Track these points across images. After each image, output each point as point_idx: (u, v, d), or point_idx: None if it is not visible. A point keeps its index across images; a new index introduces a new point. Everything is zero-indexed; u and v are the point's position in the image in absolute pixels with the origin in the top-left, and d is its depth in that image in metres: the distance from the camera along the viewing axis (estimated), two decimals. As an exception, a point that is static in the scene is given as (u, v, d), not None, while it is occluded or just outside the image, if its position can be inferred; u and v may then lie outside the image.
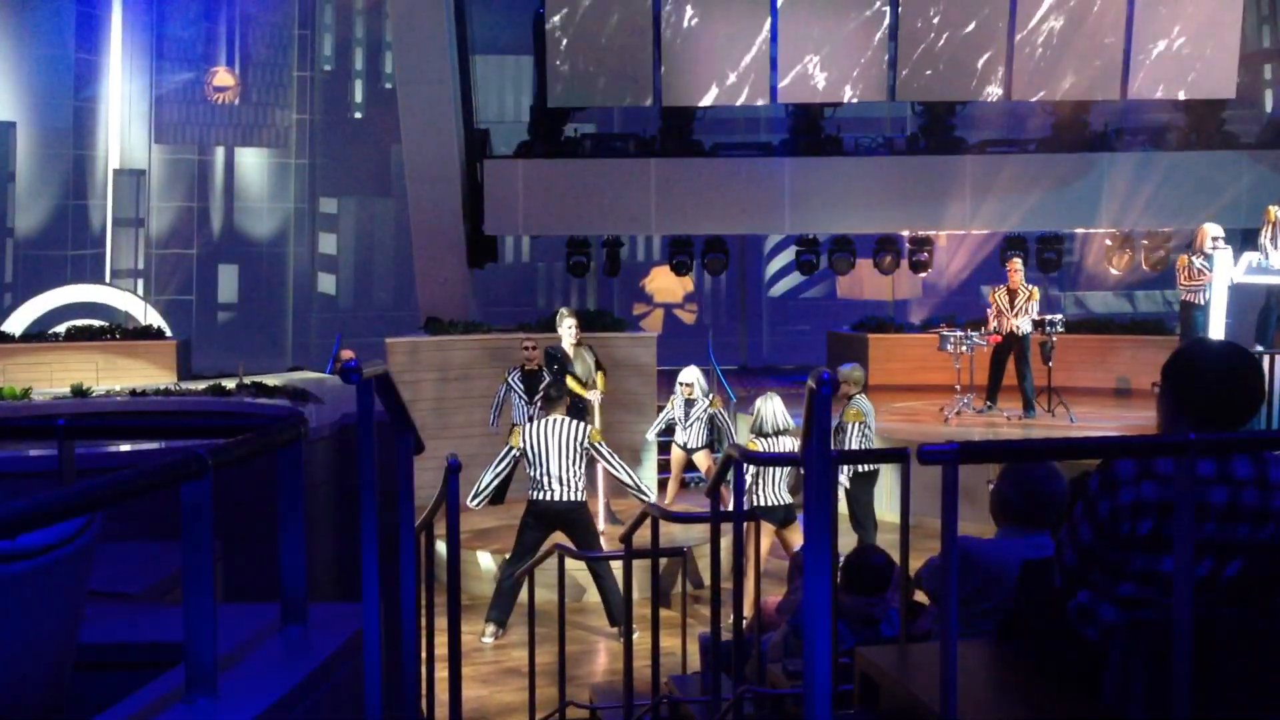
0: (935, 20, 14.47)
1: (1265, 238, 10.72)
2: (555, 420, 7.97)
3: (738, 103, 14.92)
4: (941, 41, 14.57)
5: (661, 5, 14.26)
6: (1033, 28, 14.42)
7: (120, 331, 14.68)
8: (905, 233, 15.66)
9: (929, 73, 14.64)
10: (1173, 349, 2.80)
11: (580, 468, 7.90)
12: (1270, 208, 10.85)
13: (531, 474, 7.90)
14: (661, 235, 16.79)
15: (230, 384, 7.28)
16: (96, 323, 15.37)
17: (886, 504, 10.99)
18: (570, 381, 9.92)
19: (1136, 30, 14.31)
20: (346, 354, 11.82)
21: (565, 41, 14.39)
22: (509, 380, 10.54)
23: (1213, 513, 2.47)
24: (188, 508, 2.13)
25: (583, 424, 8.20)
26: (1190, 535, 2.30)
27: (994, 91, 14.68)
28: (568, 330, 10.10)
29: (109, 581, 3.16)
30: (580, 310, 12.13)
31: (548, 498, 7.86)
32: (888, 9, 14.44)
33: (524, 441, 7.93)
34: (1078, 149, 14.90)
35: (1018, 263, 12.80)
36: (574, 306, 10.63)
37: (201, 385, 7.45)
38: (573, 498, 7.88)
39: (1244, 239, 11.35)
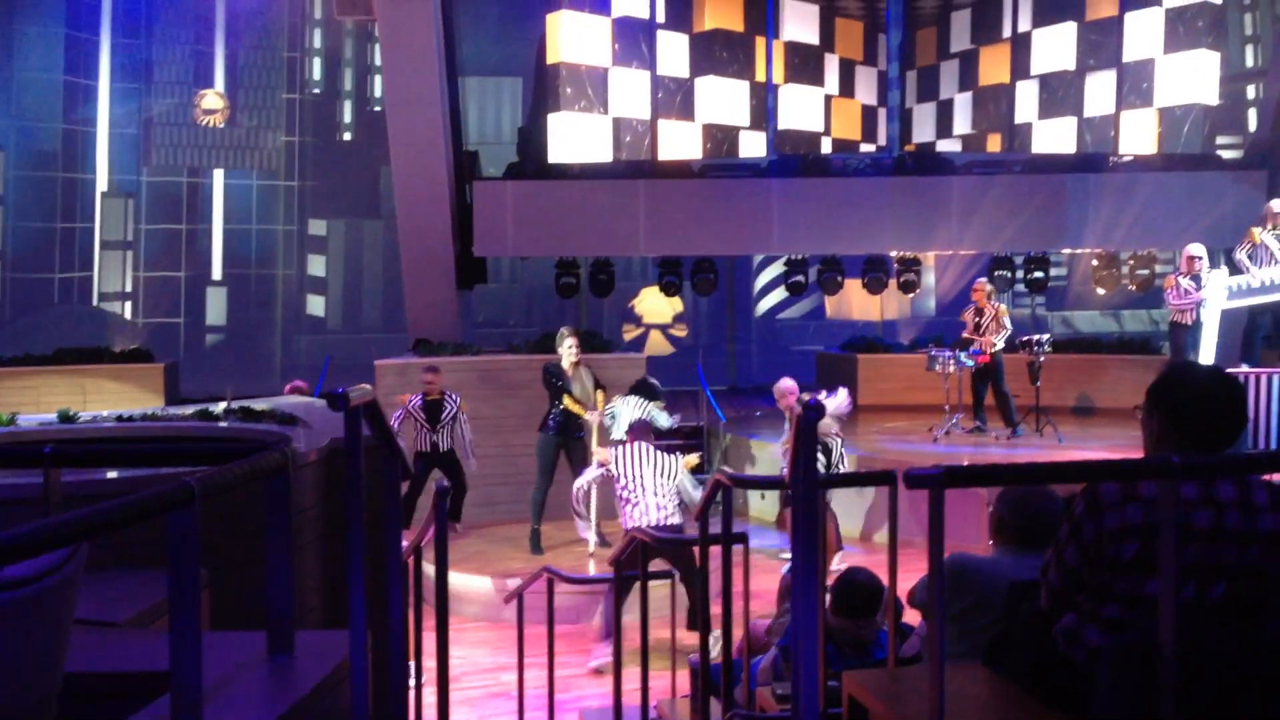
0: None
1: (1243, 253, 10.81)
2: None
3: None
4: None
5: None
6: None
7: (108, 354, 14.64)
8: (893, 253, 15.72)
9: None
10: (1159, 369, 2.82)
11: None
12: (1253, 229, 10.94)
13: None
14: (650, 256, 16.82)
15: (218, 408, 7.26)
16: (84, 346, 15.33)
17: (859, 523, 11.02)
18: (568, 401, 9.92)
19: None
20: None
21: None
22: (408, 407, 10.62)
23: (1197, 535, 2.48)
24: (174, 536, 2.12)
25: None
26: (1175, 558, 2.31)
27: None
28: (568, 350, 10.08)
29: (95, 609, 3.15)
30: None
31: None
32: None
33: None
34: (1064, 170, 15.01)
35: (982, 281, 12.90)
36: (566, 327, 10.61)
37: (189, 409, 7.43)
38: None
39: (1228, 259, 11.44)
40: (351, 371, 14.45)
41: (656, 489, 8.04)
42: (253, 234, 21.42)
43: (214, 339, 21.45)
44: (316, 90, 22.20)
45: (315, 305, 22.01)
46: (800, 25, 15.75)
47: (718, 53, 15.12)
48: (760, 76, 15.40)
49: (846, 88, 16.25)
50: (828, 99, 15.97)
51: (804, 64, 15.73)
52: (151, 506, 2.05)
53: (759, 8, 15.36)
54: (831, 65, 16.01)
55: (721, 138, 15.25)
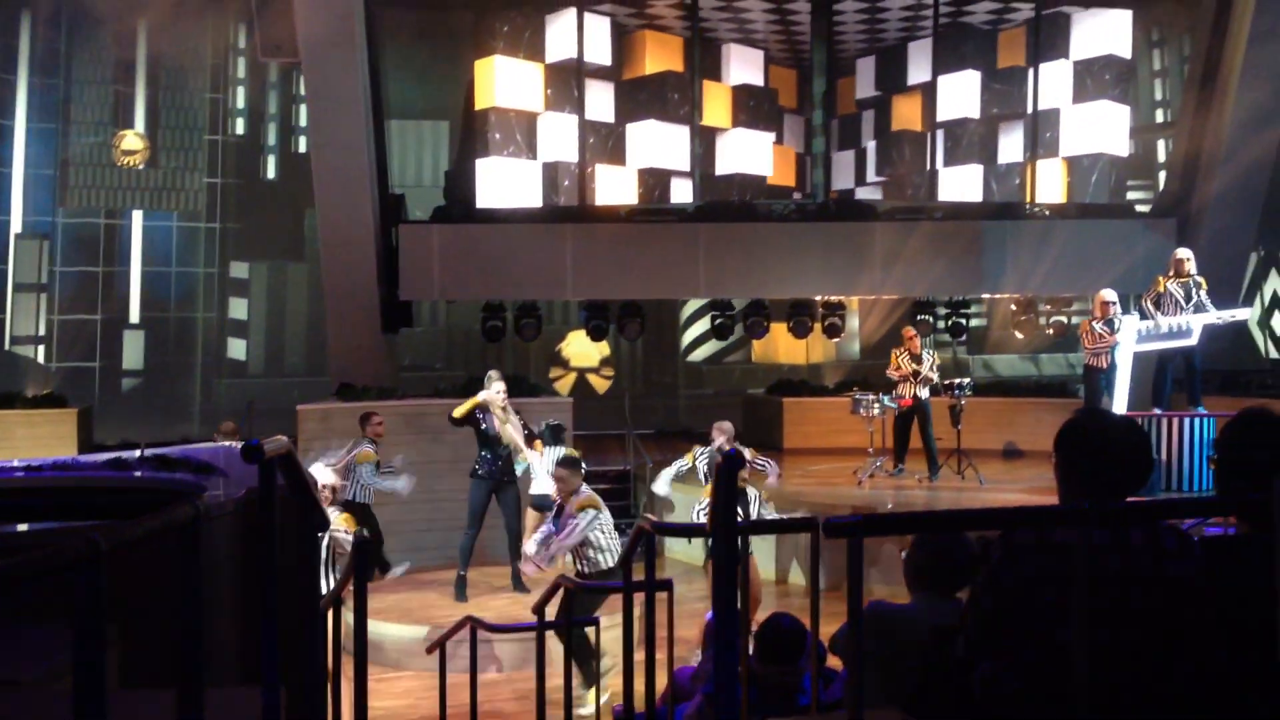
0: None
1: (1148, 302, 11.14)
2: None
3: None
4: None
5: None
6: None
7: (19, 399, 14.23)
8: (818, 297, 15.91)
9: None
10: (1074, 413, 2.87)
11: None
12: (1159, 277, 11.27)
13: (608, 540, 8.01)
14: (577, 300, 16.85)
15: (132, 456, 7.07)
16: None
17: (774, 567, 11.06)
18: (498, 424, 9.81)
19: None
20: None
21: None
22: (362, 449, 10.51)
23: (1109, 582, 2.52)
24: (79, 594, 2.06)
25: None
26: (1086, 604, 2.34)
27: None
28: (497, 394, 10.01)
29: (-2, 668, 3.04)
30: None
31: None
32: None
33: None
34: (983, 217, 15.34)
35: (912, 329, 13.10)
36: (494, 370, 10.55)
37: (103, 457, 7.23)
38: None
39: (1137, 305, 11.77)
40: (274, 416, 14.20)
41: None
42: (172, 276, 21.06)
43: (131, 383, 20.99)
44: (240, 132, 21.96)
45: (236, 349, 21.64)
46: (746, 69, 15.92)
47: (666, 95, 15.24)
48: (706, 120, 15.54)
49: (782, 135, 16.51)
50: (772, 144, 16.16)
51: (758, 107, 15.88)
52: (55, 564, 1.98)
53: (702, 52, 15.53)
54: (774, 111, 16.25)
55: (653, 184, 15.35)
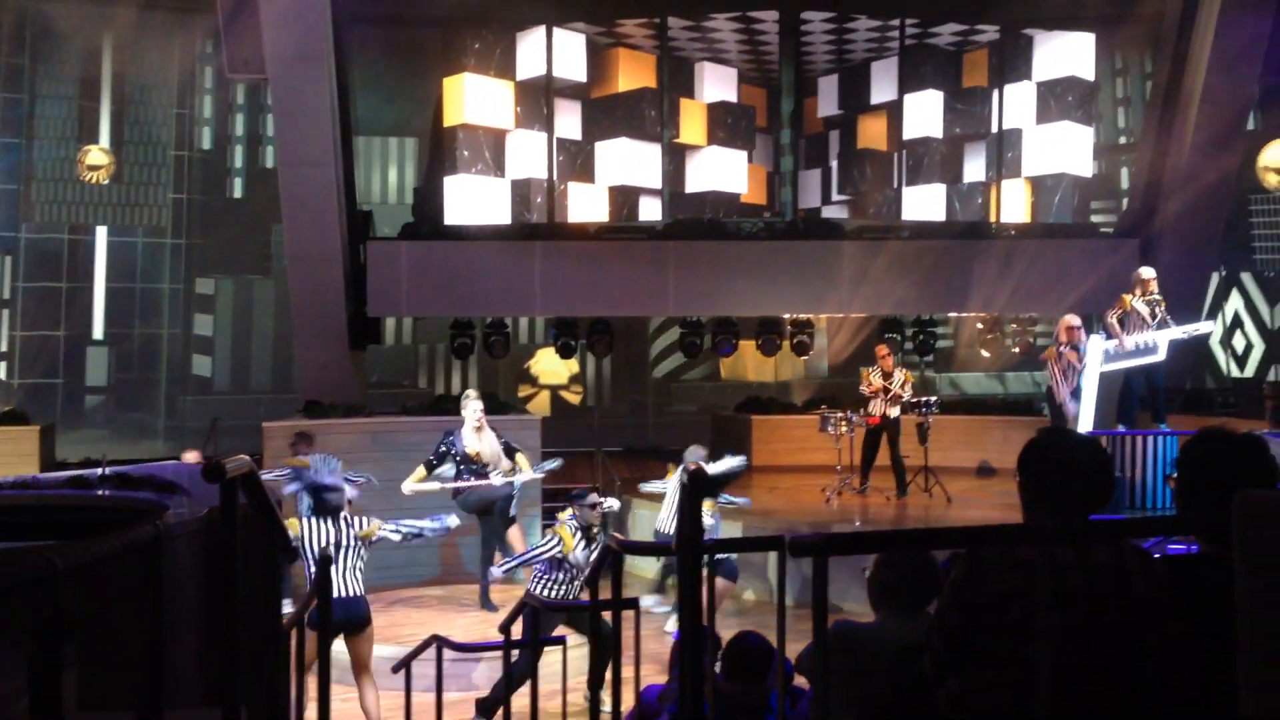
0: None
1: (1114, 318, 11.26)
2: None
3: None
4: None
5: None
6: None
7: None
8: (787, 315, 15.97)
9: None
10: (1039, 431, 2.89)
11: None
12: (1124, 295, 11.40)
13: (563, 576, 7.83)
14: (546, 317, 16.84)
15: (94, 474, 7.00)
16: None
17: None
18: (418, 471, 9.77)
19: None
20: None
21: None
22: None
23: (1074, 600, 2.53)
24: (36, 615, 2.03)
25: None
26: (1052, 622, 2.36)
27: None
28: (472, 413, 9.96)
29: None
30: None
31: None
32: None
33: None
34: (949, 236, 15.46)
35: (884, 348, 13.18)
36: (472, 389, 10.51)
37: (65, 475, 7.15)
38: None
39: (1101, 324, 11.89)
40: (239, 434, 14.08)
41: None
42: (137, 292, 20.85)
43: (94, 400, 20.75)
44: (206, 147, 21.81)
45: (202, 365, 21.44)
46: (720, 87, 15.97)
47: (640, 112, 15.24)
48: (683, 137, 15.56)
49: (755, 152, 16.58)
50: (746, 161, 16.20)
51: (734, 124, 15.91)
52: (12, 584, 1.96)
53: (674, 69, 15.56)
54: (750, 129, 16.31)
55: (623, 201, 15.36)
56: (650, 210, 15.53)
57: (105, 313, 20.80)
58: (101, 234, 20.85)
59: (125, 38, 18.93)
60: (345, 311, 14.32)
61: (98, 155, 17.94)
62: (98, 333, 20.80)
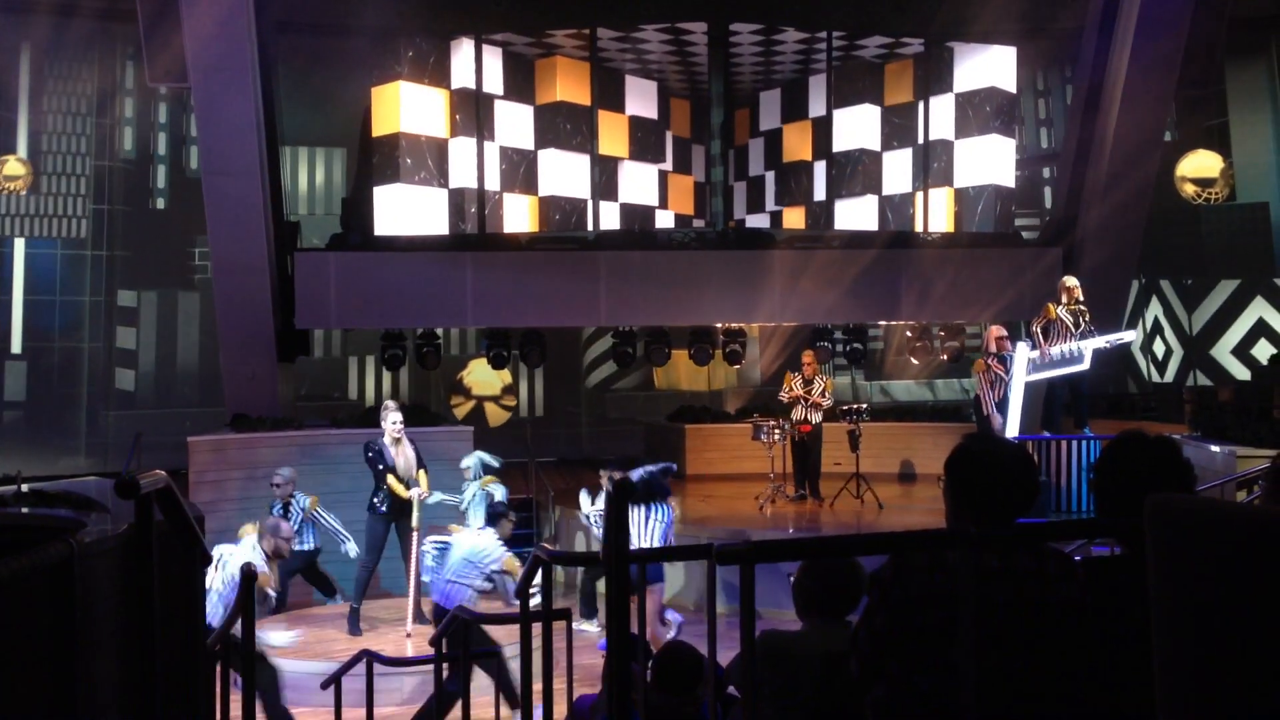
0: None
1: (1037, 328, 11.48)
2: None
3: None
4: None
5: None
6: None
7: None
8: (719, 324, 16.04)
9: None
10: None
11: None
12: (1049, 304, 11.63)
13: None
14: (478, 328, 16.72)
15: (9, 491, 6.79)
16: None
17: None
18: (391, 481, 9.69)
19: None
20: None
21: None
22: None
23: (998, 605, 2.56)
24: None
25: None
26: (975, 626, 2.38)
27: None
28: (393, 425, 9.87)
29: None
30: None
31: None
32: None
33: None
34: (878, 245, 15.64)
35: (810, 355, 13.36)
36: (391, 400, 10.40)
37: (-21, 493, 6.93)
38: None
39: (1026, 332, 12.12)
40: (164, 450, 13.79)
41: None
42: (56, 305, 20.35)
43: (12, 416, 20.20)
44: (128, 156, 21.37)
45: (125, 379, 20.96)
46: (641, 101, 16.05)
47: (573, 123, 15.26)
48: (603, 150, 15.60)
49: (681, 164, 16.66)
50: (662, 174, 16.29)
51: (646, 139, 16.01)
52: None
53: (603, 82, 15.60)
54: (669, 142, 16.39)
55: (556, 212, 15.34)
56: (584, 221, 15.56)
57: (23, 326, 20.29)
58: (19, 246, 20.35)
59: (43, 46, 18.54)
60: (273, 323, 14.11)
61: (15, 165, 17.54)
62: (15, 347, 20.27)
